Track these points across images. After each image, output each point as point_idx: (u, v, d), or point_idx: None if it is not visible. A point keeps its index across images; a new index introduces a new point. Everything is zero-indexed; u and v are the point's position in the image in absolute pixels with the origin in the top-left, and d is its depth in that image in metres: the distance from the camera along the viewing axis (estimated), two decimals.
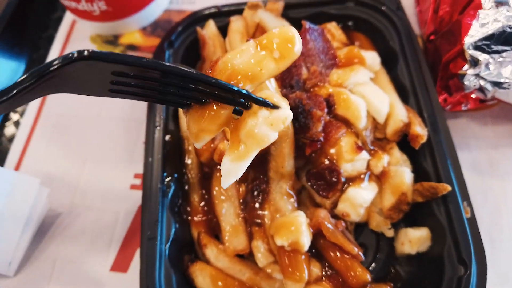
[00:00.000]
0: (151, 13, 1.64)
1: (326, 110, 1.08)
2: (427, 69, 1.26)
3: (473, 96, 1.25)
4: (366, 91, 1.16)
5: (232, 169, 0.80)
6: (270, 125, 0.80)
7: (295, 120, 1.07)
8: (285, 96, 1.09)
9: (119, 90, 0.80)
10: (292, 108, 1.06)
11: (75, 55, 0.70)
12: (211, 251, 1.11)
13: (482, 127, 1.38)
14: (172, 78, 0.79)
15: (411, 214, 1.15)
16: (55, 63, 0.71)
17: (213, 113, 0.80)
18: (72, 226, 1.30)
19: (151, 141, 1.20)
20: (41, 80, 0.72)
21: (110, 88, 0.78)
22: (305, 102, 1.07)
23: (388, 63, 1.33)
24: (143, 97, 0.83)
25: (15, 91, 0.71)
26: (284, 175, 1.09)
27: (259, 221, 1.11)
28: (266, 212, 1.08)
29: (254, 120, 0.79)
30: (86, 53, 0.71)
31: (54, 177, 1.38)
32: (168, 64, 0.79)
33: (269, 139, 0.80)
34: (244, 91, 0.79)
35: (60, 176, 1.38)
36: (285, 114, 0.82)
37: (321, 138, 1.06)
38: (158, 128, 1.22)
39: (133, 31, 1.65)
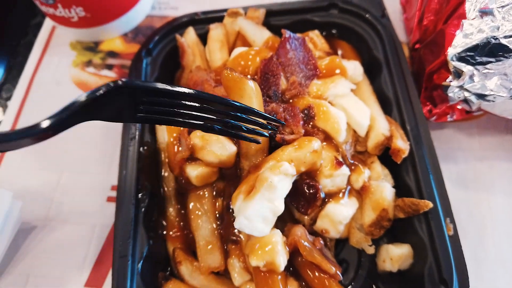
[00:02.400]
0: (132, 19, 1.61)
1: (301, 122, 1.05)
2: (411, 79, 1.22)
3: (459, 107, 1.21)
4: (347, 103, 1.13)
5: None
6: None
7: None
8: None
9: (147, 117, 0.90)
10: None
11: (112, 85, 0.84)
12: (185, 268, 1.08)
13: (469, 138, 1.34)
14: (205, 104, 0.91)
15: (393, 229, 1.12)
16: (100, 91, 0.83)
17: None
18: (46, 240, 1.26)
19: (126, 153, 1.17)
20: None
21: (138, 115, 0.89)
22: (280, 116, 1.03)
23: (372, 72, 1.29)
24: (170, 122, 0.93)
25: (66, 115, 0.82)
26: None
27: (235, 238, 1.07)
28: None
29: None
30: (120, 83, 0.85)
31: (29, 189, 1.34)
32: (202, 92, 0.91)
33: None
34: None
35: (36, 188, 1.34)
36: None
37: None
38: (134, 139, 1.19)
39: (113, 38, 1.61)
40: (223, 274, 1.09)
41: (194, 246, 1.12)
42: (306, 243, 1.00)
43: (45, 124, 0.80)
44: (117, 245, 1.05)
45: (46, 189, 1.34)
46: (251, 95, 1.02)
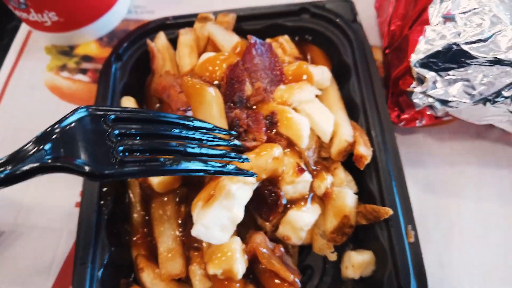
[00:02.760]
0: (107, 23, 1.60)
1: (264, 129, 1.04)
2: (380, 85, 1.22)
3: (427, 112, 1.21)
4: (311, 109, 1.12)
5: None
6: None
7: None
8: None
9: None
10: (229, 127, 1.03)
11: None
12: (147, 275, 1.07)
13: (439, 143, 1.34)
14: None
15: (358, 236, 1.12)
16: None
17: None
18: (13, 246, 1.25)
19: None
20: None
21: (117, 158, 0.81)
22: (242, 122, 1.03)
23: (342, 77, 1.29)
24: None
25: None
26: None
27: (197, 245, 1.07)
28: None
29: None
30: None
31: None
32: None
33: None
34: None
35: (4, 193, 1.33)
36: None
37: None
38: None
39: (88, 42, 1.61)
40: (185, 281, 1.09)
41: (157, 253, 1.12)
42: (265, 250, 1.00)
43: None
44: (78, 252, 1.05)
45: (15, 194, 1.34)
46: (210, 102, 1.01)
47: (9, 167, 0.79)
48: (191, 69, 1.26)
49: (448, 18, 1.07)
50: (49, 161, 0.79)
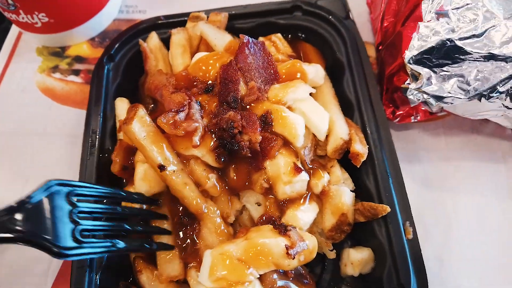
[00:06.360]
0: (98, 23, 1.59)
1: (259, 129, 1.04)
2: (374, 81, 1.22)
3: (422, 108, 1.21)
4: (306, 107, 1.12)
5: None
6: None
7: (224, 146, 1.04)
8: (217, 116, 1.05)
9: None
10: (223, 130, 1.02)
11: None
12: (146, 277, 1.07)
13: (435, 138, 1.34)
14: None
15: (356, 233, 1.12)
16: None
17: None
18: (9, 251, 1.24)
19: (85, 162, 1.16)
20: None
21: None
22: (237, 124, 1.02)
23: (336, 75, 1.29)
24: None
25: None
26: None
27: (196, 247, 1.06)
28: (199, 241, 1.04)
29: None
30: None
31: None
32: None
33: None
34: None
35: (1, 196, 1.33)
36: None
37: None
38: (94, 147, 1.18)
39: (80, 43, 1.60)
40: (183, 282, 1.08)
41: (155, 255, 1.11)
42: (282, 282, 0.99)
43: None
44: None
45: (11, 198, 1.32)
46: None
47: None
48: (184, 68, 1.25)
49: (441, 14, 1.07)
50: (18, 233, 0.81)
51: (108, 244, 0.94)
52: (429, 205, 1.24)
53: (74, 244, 0.87)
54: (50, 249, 0.84)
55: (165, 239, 1.06)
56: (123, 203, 1.07)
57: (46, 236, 0.84)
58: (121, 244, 0.96)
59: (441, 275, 1.14)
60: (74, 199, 0.93)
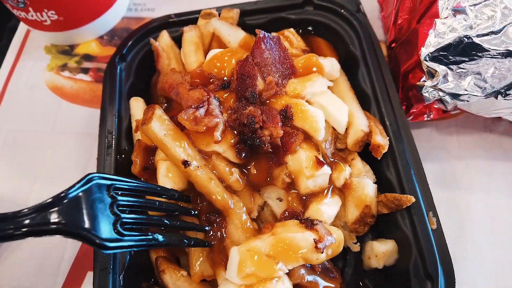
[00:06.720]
0: (107, 21, 1.58)
1: (280, 124, 1.03)
2: (389, 74, 1.22)
3: (435, 106, 1.20)
4: (324, 101, 1.12)
5: None
6: None
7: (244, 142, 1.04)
8: (236, 111, 1.04)
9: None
10: (244, 125, 1.01)
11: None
12: (169, 277, 1.05)
13: (447, 137, 1.33)
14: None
15: (378, 225, 1.11)
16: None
17: None
18: (19, 249, 1.23)
19: (102, 163, 1.14)
20: None
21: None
22: (258, 119, 1.01)
23: (350, 68, 1.28)
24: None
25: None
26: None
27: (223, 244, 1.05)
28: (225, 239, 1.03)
29: None
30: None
31: (2, 196, 1.31)
32: None
33: None
34: None
35: (9, 195, 1.32)
36: None
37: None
38: (110, 148, 1.16)
39: (89, 41, 1.58)
40: (208, 282, 1.07)
41: (179, 253, 1.11)
42: (309, 277, 0.99)
43: None
44: (98, 257, 1.03)
45: (20, 196, 1.32)
46: None
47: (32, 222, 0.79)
48: (198, 66, 1.24)
49: (458, 10, 1.07)
50: (60, 225, 0.80)
51: (149, 237, 0.93)
52: (442, 204, 1.21)
53: (116, 236, 0.86)
54: (92, 241, 0.82)
55: (201, 236, 1.05)
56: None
57: (88, 227, 0.82)
58: (161, 238, 0.95)
59: (455, 274, 1.14)
60: (114, 192, 0.91)
